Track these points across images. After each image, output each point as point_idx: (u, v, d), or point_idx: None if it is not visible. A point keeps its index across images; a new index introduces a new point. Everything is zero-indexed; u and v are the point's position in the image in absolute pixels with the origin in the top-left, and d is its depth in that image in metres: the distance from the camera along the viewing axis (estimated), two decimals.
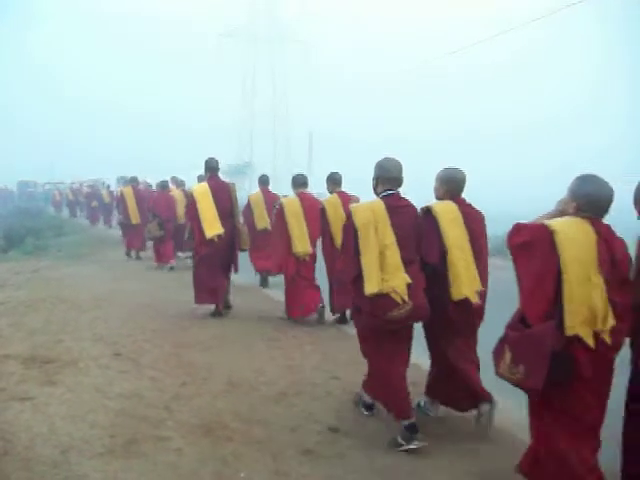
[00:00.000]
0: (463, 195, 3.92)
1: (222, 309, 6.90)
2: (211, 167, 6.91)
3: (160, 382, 4.57)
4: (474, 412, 3.77)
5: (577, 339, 2.62)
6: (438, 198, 3.89)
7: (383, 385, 3.74)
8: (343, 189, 6.37)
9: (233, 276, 7.26)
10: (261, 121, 55.06)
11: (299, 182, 6.77)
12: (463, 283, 3.63)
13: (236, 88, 57.89)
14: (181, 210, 10.81)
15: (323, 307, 6.53)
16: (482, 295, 3.78)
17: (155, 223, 10.80)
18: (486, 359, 3.18)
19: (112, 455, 3.35)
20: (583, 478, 2.67)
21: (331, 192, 6.34)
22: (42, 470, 3.16)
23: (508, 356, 2.76)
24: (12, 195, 40.26)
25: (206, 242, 6.62)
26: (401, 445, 3.49)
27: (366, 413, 4.07)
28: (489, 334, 3.28)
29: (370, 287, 3.48)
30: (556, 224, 2.72)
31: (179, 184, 12.00)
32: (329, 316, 6.57)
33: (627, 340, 2.79)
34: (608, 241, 2.72)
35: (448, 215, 3.72)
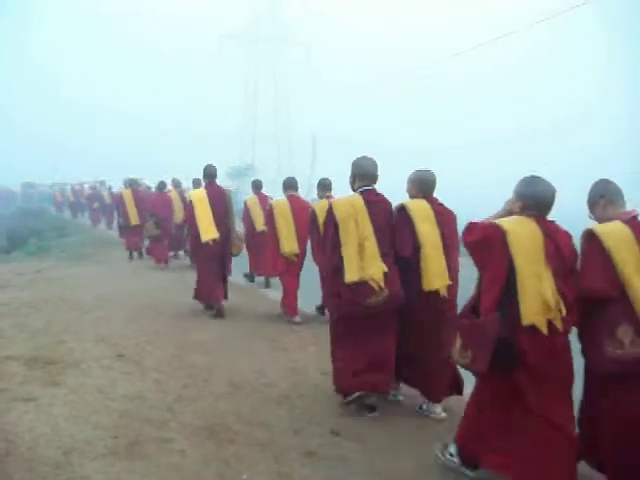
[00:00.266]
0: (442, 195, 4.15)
1: (222, 310, 6.94)
2: (209, 174, 7.13)
3: (163, 384, 4.58)
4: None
5: (532, 328, 2.84)
6: (411, 197, 4.13)
7: (340, 365, 4.08)
8: (339, 192, 6.40)
9: (233, 276, 7.37)
10: (263, 124, 55.08)
11: (288, 185, 7.04)
12: (434, 276, 3.87)
13: (238, 90, 57.96)
14: (178, 210, 11.38)
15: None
16: (451, 290, 3.98)
17: (152, 222, 11.16)
18: None
19: (115, 456, 3.36)
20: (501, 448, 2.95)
21: (321, 197, 6.45)
22: (44, 471, 3.17)
23: (459, 342, 3.06)
24: (14, 196, 40.29)
25: (202, 245, 6.85)
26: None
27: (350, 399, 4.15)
28: None
29: (351, 275, 3.79)
30: (506, 224, 2.95)
31: (177, 185, 12.42)
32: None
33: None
34: (554, 237, 2.95)
35: (421, 212, 3.96)
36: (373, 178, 4.09)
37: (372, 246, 3.85)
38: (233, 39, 55.92)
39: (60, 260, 12.47)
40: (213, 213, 6.87)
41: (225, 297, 7.08)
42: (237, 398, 4.35)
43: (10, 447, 3.41)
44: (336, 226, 3.90)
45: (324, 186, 6.61)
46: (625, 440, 2.85)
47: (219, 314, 6.89)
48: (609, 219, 3.02)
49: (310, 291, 6.62)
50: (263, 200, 8.93)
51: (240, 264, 8.63)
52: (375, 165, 4.12)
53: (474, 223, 3.09)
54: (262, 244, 8.29)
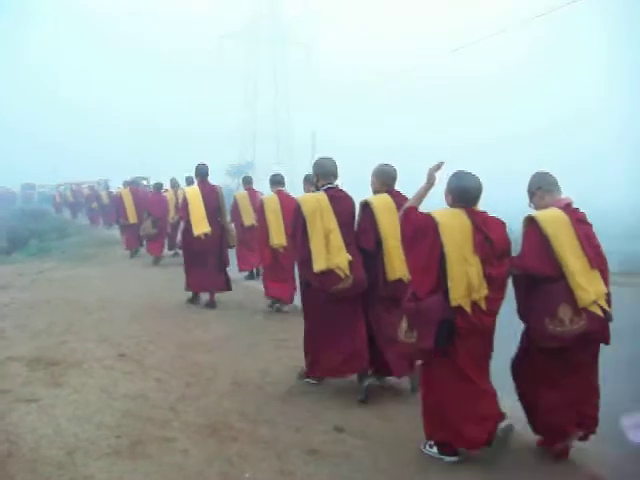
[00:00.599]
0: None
1: (213, 301, 7.37)
2: (202, 173, 7.52)
3: (165, 383, 4.57)
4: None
5: (458, 308, 3.14)
6: (375, 191, 4.41)
7: (314, 345, 4.41)
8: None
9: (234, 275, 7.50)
10: (264, 123, 55.01)
11: (276, 181, 7.41)
12: (397, 266, 4.12)
13: (238, 90, 57.87)
14: (173, 210, 11.74)
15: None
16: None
17: (149, 221, 11.55)
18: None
19: (118, 456, 3.35)
20: (459, 423, 3.23)
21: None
22: (47, 471, 3.16)
23: (405, 324, 3.31)
24: (14, 197, 40.30)
25: (195, 239, 7.20)
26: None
27: (313, 382, 4.54)
28: None
29: (318, 265, 4.11)
30: (438, 215, 3.25)
31: (174, 185, 12.74)
32: None
33: None
34: (482, 227, 3.23)
35: (384, 207, 4.23)
36: (334, 176, 4.45)
37: (337, 238, 4.18)
38: (233, 39, 55.87)
39: (61, 261, 12.47)
40: (206, 209, 7.24)
41: (229, 288, 7.39)
42: (240, 396, 4.34)
43: (12, 448, 3.41)
44: (304, 221, 4.22)
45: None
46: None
47: (211, 304, 7.32)
48: (546, 207, 3.33)
49: None
50: (253, 196, 9.26)
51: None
52: (335, 164, 4.50)
53: (408, 213, 3.34)
54: (249, 239, 8.80)
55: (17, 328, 6.20)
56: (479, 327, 3.20)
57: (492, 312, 3.24)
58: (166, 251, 12.30)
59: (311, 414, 4.02)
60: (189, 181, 10.84)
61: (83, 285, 9.11)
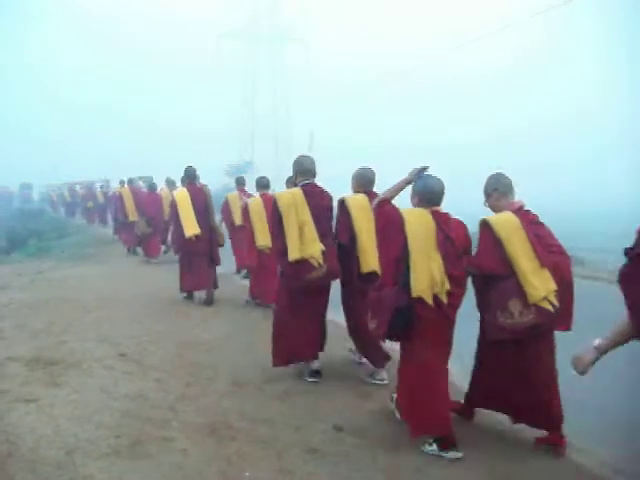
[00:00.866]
0: None
1: (210, 297, 7.59)
2: (190, 175, 7.77)
3: (165, 383, 4.57)
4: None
5: (421, 300, 3.37)
6: (354, 192, 4.69)
7: (283, 333, 4.67)
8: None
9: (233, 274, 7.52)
10: (262, 122, 54.93)
11: (262, 184, 7.80)
12: (370, 259, 4.35)
13: (237, 89, 57.76)
14: (167, 209, 11.78)
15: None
16: None
17: (144, 220, 11.91)
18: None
19: (117, 456, 3.35)
20: (429, 403, 3.47)
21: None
22: (47, 471, 3.16)
23: (370, 312, 3.65)
24: (12, 197, 40.27)
25: (186, 240, 7.41)
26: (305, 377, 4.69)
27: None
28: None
29: (293, 254, 4.42)
30: (406, 214, 3.53)
31: (170, 185, 12.82)
32: None
33: None
34: (445, 226, 3.49)
35: (359, 205, 4.49)
36: (312, 173, 4.76)
37: (311, 230, 4.50)
38: (232, 39, 55.84)
39: (60, 261, 12.46)
40: (195, 210, 7.44)
41: (215, 286, 7.67)
42: (240, 396, 4.35)
43: (12, 448, 3.40)
44: (280, 214, 4.51)
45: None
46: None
47: (208, 301, 7.52)
48: (501, 209, 3.58)
49: None
50: (246, 196, 9.31)
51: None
52: (313, 162, 4.81)
53: (382, 205, 3.72)
54: (240, 238, 8.88)
55: (16, 328, 6.19)
56: (440, 318, 3.45)
57: (453, 305, 3.50)
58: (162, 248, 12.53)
59: (310, 413, 4.03)
60: (170, 182, 11.56)
61: (82, 284, 9.10)
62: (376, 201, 3.84)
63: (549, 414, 3.46)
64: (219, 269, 8.09)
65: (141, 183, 14.65)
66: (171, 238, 9.03)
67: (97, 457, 3.32)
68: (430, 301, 3.39)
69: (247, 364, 5.06)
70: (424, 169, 3.67)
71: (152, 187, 12.74)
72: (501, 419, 3.87)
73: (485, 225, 3.50)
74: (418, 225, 3.47)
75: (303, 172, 4.75)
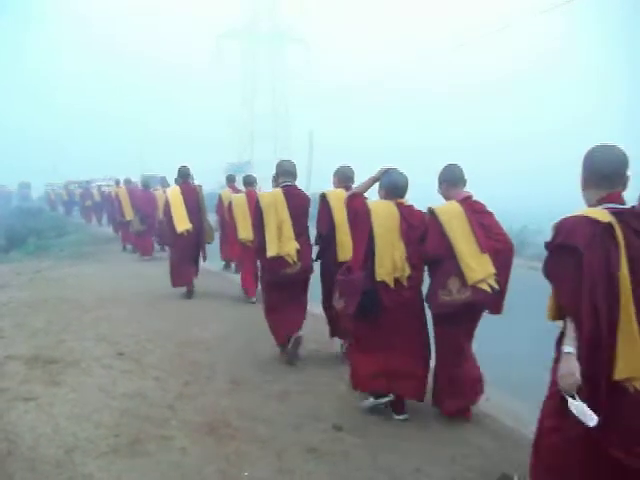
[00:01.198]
0: None
1: (191, 290, 8.00)
2: (183, 174, 8.14)
3: (164, 382, 4.57)
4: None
5: (383, 283, 3.73)
6: (335, 187, 5.00)
7: (273, 318, 5.13)
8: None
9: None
10: (262, 122, 54.89)
11: (247, 182, 8.13)
12: (346, 249, 4.54)
13: (236, 89, 57.71)
14: (161, 207, 11.92)
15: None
16: None
17: (137, 218, 12.23)
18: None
19: (116, 455, 3.35)
20: (369, 381, 3.90)
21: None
22: (46, 470, 3.16)
23: (337, 293, 3.97)
24: (10, 196, 40.33)
25: (177, 236, 7.75)
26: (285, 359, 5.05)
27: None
28: None
29: (271, 251, 4.77)
30: (373, 205, 3.89)
31: (164, 184, 13.44)
32: None
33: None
34: (408, 217, 3.85)
35: (338, 199, 4.66)
36: (293, 176, 5.09)
37: (288, 229, 4.84)
38: (231, 38, 55.77)
39: (59, 259, 12.46)
40: (187, 207, 7.80)
41: (195, 275, 8.09)
42: (239, 395, 4.34)
43: (11, 447, 3.41)
44: (261, 212, 4.85)
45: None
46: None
47: (189, 294, 7.92)
48: (449, 198, 3.87)
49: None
50: (235, 193, 9.68)
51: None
52: (294, 166, 5.15)
53: (353, 198, 3.97)
54: (233, 234, 9.19)
55: (15, 327, 6.18)
56: (401, 300, 3.78)
57: (412, 287, 3.84)
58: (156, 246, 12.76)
59: (309, 413, 4.02)
60: (162, 182, 12.06)
61: (81, 283, 9.09)
62: (348, 194, 4.10)
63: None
64: (219, 269, 8.15)
65: (133, 180, 15.03)
66: (156, 232, 9.54)
67: (96, 456, 3.32)
68: (392, 284, 3.74)
69: (246, 363, 5.06)
70: (390, 169, 3.98)
71: (146, 185, 13.05)
72: (501, 419, 3.87)
73: (431, 213, 3.81)
74: (384, 215, 3.81)
75: (284, 174, 5.07)
